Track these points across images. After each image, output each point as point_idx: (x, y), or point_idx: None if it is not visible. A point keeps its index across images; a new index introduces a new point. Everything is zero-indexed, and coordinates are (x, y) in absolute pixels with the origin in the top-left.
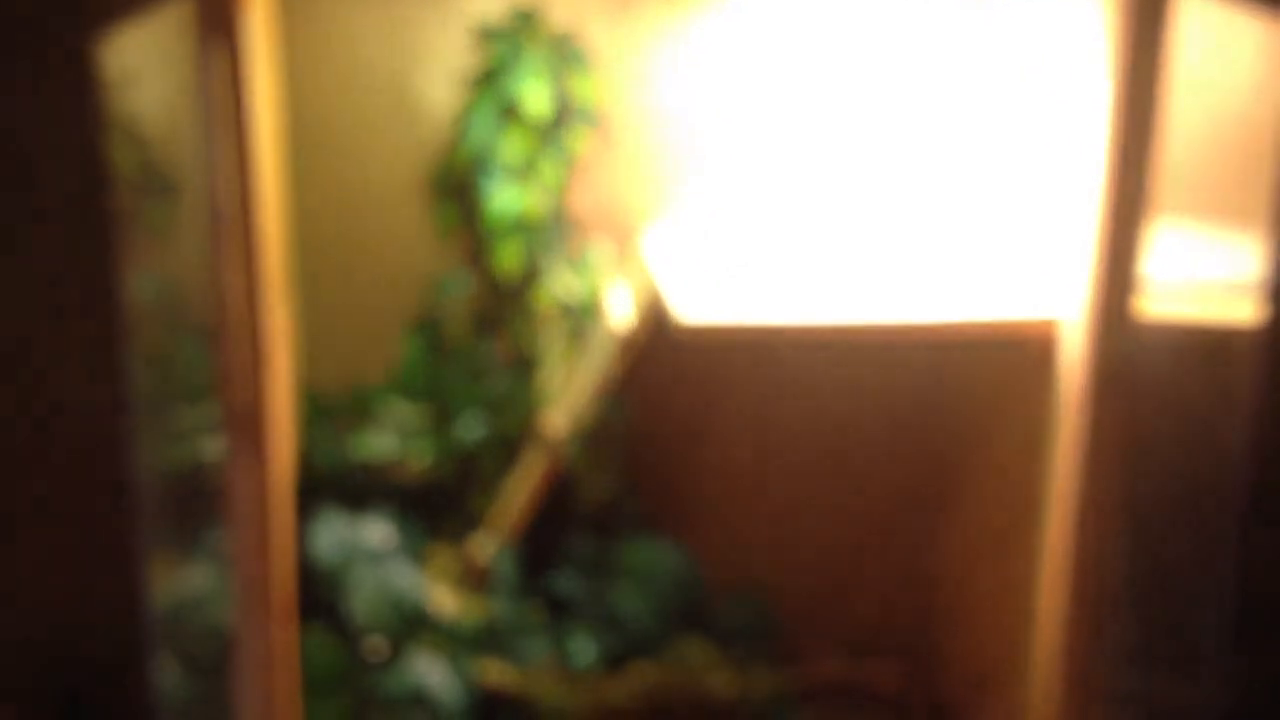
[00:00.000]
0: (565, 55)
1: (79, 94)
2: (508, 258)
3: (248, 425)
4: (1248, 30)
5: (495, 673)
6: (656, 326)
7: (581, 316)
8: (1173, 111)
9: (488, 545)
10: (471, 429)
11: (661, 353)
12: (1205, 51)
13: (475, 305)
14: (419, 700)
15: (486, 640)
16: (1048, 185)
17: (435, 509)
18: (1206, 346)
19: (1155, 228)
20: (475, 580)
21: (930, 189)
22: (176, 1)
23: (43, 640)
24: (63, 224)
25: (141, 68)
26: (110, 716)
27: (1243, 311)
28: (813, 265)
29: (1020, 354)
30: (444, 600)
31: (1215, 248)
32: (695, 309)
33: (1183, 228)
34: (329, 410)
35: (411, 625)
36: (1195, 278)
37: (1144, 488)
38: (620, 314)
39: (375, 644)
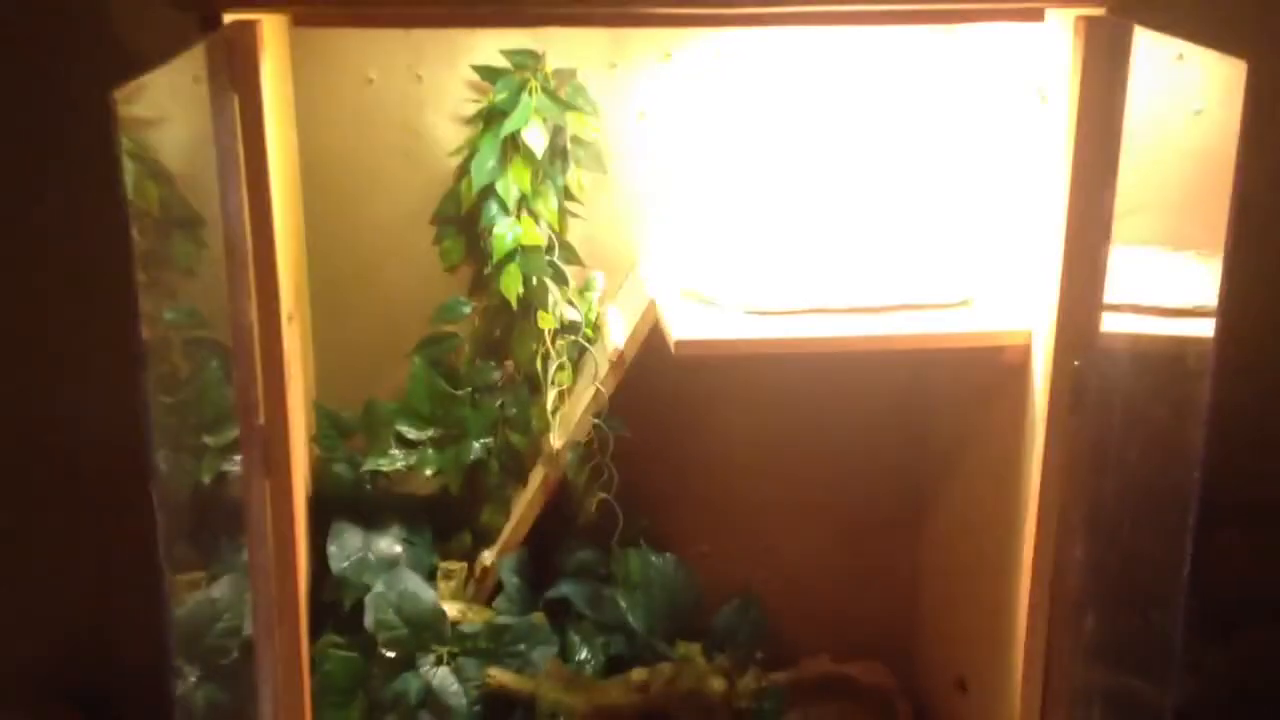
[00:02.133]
0: (564, 93)
1: (103, 136)
2: (510, 284)
3: (265, 444)
4: (1206, 64)
5: (501, 677)
6: (651, 347)
7: (581, 338)
8: (1139, 140)
9: (493, 557)
10: (477, 446)
11: (657, 371)
12: (1165, 84)
13: (480, 329)
14: (429, 705)
15: (493, 646)
16: (1022, 206)
17: (443, 523)
18: (1165, 359)
19: (1123, 251)
20: (482, 590)
21: (910, 211)
22: (192, 53)
23: (68, 651)
24: (86, 261)
25: (167, 108)
26: None
27: (1197, 327)
28: (798, 285)
29: (995, 366)
30: (452, 609)
31: (1178, 270)
32: (689, 327)
33: (1149, 252)
34: (342, 429)
35: (422, 634)
36: (1159, 298)
37: (1112, 493)
38: (617, 335)
39: (387, 652)
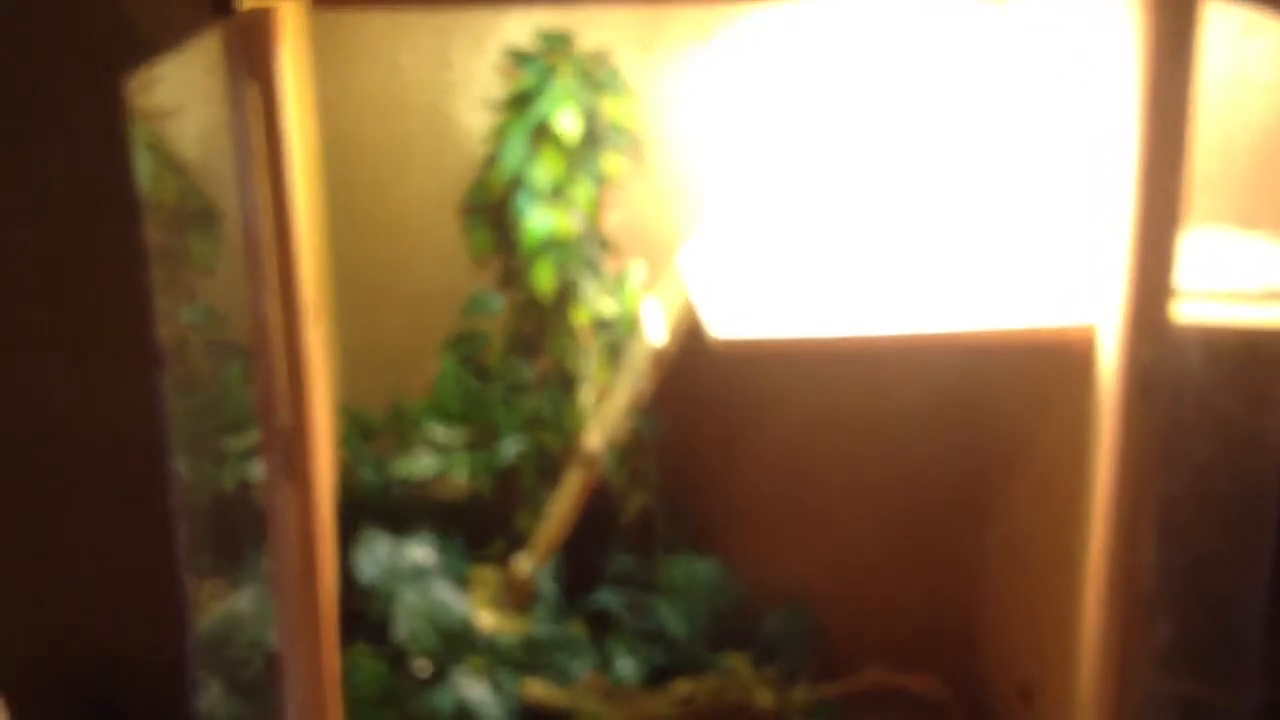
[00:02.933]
0: (597, 77)
1: (115, 126)
2: (543, 277)
3: (289, 447)
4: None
5: (538, 690)
6: (692, 342)
7: (618, 333)
8: (1205, 116)
9: (529, 563)
10: (510, 447)
11: (698, 367)
12: (1240, 55)
13: (512, 324)
14: (463, 718)
15: (529, 658)
16: (1083, 190)
17: (476, 528)
18: (1241, 350)
19: (1190, 233)
20: (517, 598)
21: (965, 197)
22: (208, 38)
23: (87, 660)
24: (98, 254)
25: (184, 99)
26: None
27: (1272, 313)
28: (848, 277)
29: (1060, 361)
30: (486, 619)
31: (1250, 253)
32: (730, 324)
33: (1218, 233)
34: (369, 431)
35: (455, 644)
36: (1231, 283)
37: (1184, 492)
38: (656, 330)
39: (419, 663)
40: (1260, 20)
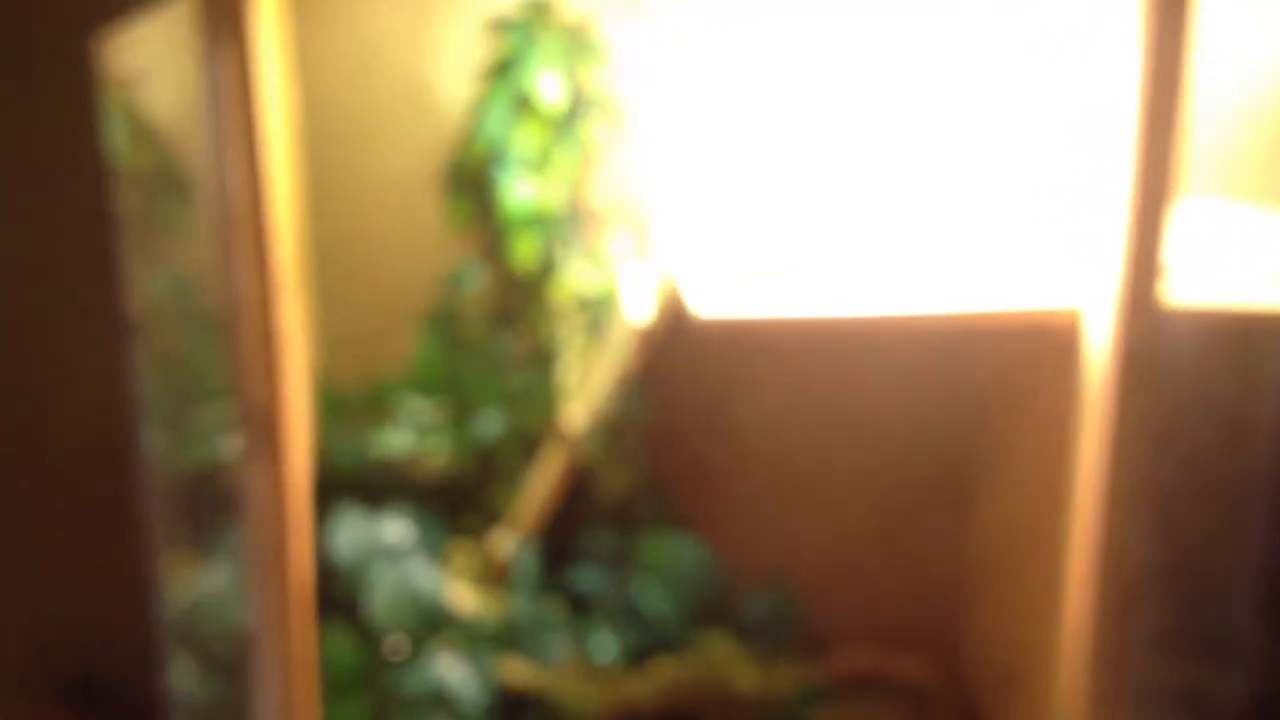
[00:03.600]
0: (579, 46)
1: (82, 90)
2: (524, 251)
3: (263, 423)
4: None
5: (516, 670)
6: (675, 319)
7: (599, 309)
8: (1200, 90)
9: (507, 541)
10: (490, 424)
11: (680, 345)
12: (1233, 28)
13: (492, 299)
14: (440, 699)
15: (507, 638)
16: (1071, 171)
17: (454, 505)
18: (1233, 332)
19: (1181, 208)
20: (495, 577)
21: (949, 177)
22: (185, 1)
23: (60, 638)
24: (68, 221)
25: (156, 64)
26: (128, 714)
27: (1270, 296)
28: (831, 256)
29: (1044, 343)
30: (464, 598)
31: (1243, 228)
32: (712, 302)
33: (1211, 206)
34: (345, 407)
35: (432, 623)
36: (1222, 262)
37: (1171, 476)
38: (638, 306)
39: (395, 643)
40: None
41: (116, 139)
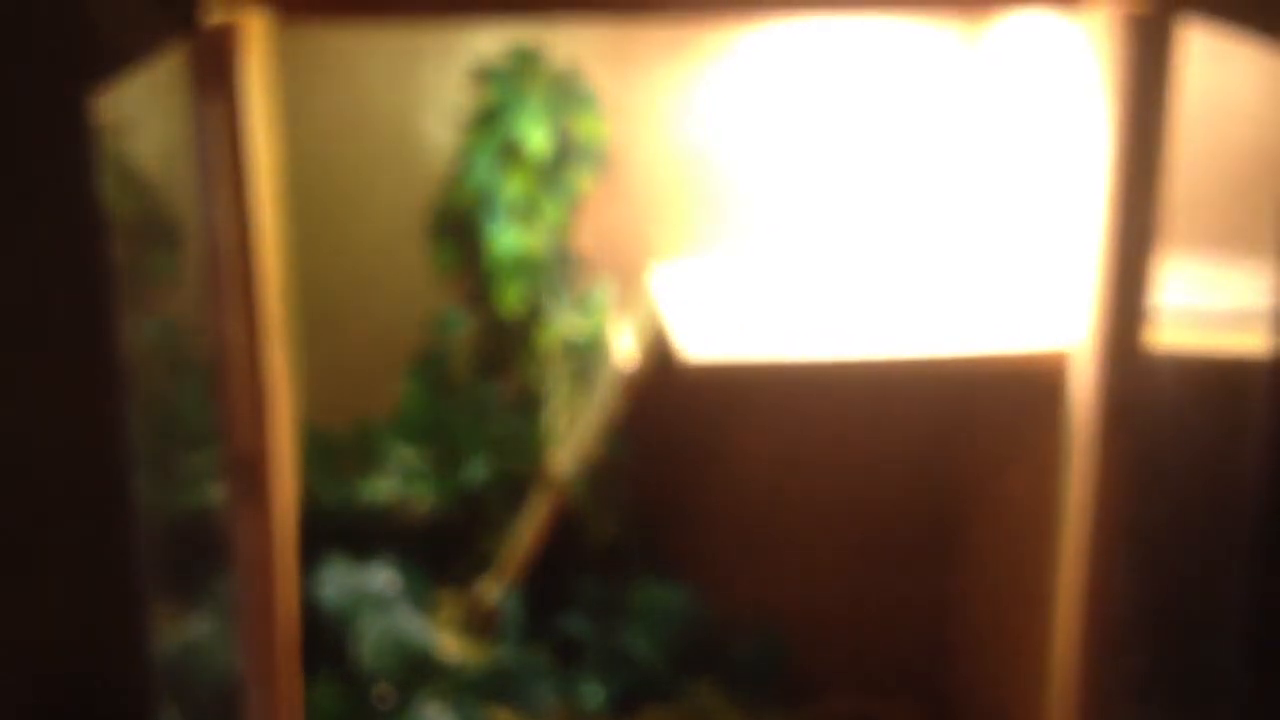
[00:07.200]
0: (566, 94)
1: (76, 143)
2: (511, 297)
3: (250, 470)
4: (1252, 58)
5: (504, 719)
6: (662, 364)
7: (587, 355)
8: (1179, 141)
9: (494, 588)
10: (476, 470)
11: (668, 390)
12: (1209, 80)
13: (478, 345)
14: None
15: (494, 685)
16: (1054, 218)
17: (441, 552)
18: (1216, 376)
19: (1163, 259)
20: (482, 624)
21: (936, 224)
22: (173, 52)
23: (46, 688)
24: (61, 272)
25: (145, 113)
26: None
27: (1252, 341)
28: (819, 302)
29: (1031, 387)
30: (451, 645)
31: (1223, 278)
32: (700, 346)
33: (1191, 259)
34: (332, 452)
35: (419, 672)
36: (1204, 308)
37: (1156, 519)
38: (626, 352)
39: (382, 691)
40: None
41: (105, 186)
